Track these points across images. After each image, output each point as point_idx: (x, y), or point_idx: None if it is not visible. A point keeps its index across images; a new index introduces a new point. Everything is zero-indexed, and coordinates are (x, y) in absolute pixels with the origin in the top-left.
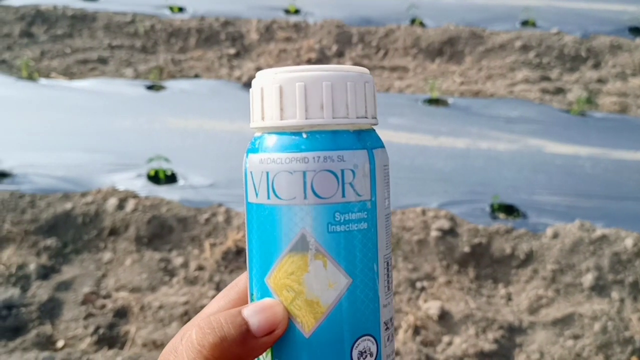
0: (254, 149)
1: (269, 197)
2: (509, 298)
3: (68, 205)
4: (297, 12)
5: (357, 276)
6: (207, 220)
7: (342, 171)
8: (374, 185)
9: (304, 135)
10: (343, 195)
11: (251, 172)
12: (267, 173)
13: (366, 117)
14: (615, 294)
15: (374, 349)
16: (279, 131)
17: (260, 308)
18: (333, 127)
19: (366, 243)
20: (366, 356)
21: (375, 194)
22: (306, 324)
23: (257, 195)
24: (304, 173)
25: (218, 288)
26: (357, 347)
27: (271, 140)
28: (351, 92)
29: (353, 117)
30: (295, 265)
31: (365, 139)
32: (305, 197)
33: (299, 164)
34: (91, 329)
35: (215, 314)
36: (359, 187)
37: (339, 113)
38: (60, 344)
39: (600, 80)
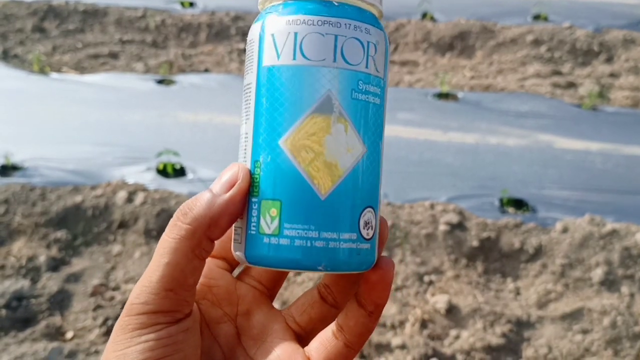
0: (275, 14)
1: (294, 58)
2: (517, 292)
3: (78, 198)
4: None
5: (369, 147)
6: None
7: (368, 43)
8: (386, 66)
9: (336, 4)
10: (366, 66)
11: (272, 34)
12: (296, 34)
13: (381, 6)
14: (625, 289)
15: (374, 222)
16: None
17: (220, 175)
18: (359, 3)
19: (377, 118)
20: (369, 228)
21: (386, 74)
22: (323, 185)
23: (278, 56)
24: (336, 37)
25: None
26: (364, 216)
27: (300, 4)
28: None
29: (377, 0)
30: (318, 127)
31: (381, 23)
32: (334, 60)
33: (331, 28)
34: (100, 320)
35: None
36: (378, 62)
37: None
38: (69, 335)
39: (613, 75)
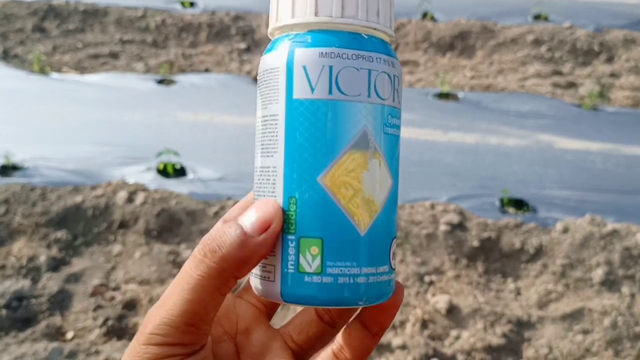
0: (304, 44)
1: (330, 92)
2: (518, 292)
3: (78, 198)
4: None
5: (395, 179)
6: (216, 214)
7: (394, 76)
8: (401, 97)
9: (365, 36)
10: (393, 100)
11: (303, 66)
12: (331, 67)
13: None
14: (625, 289)
15: (397, 252)
16: (336, 29)
17: (252, 210)
18: (382, 34)
19: (399, 149)
20: (395, 257)
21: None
22: (363, 221)
23: (312, 90)
24: (369, 71)
25: None
26: (392, 247)
27: (330, 36)
28: (392, 4)
29: (392, 29)
30: (356, 163)
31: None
32: (369, 95)
33: (365, 62)
34: (100, 320)
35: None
36: (400, 95)
37: (387, 23)
38: (69, 335)
39: (613, 75)
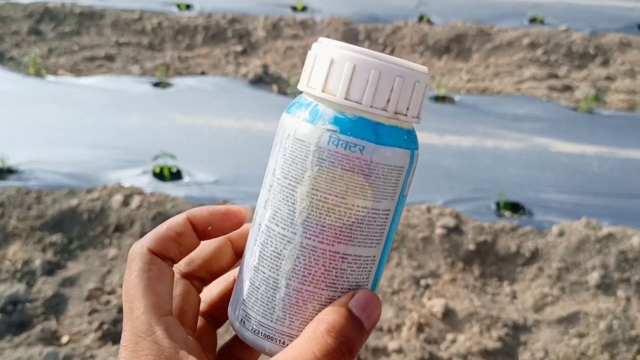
0: (416, 146)
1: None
2: (513, 296)
3: (74, 202)
4: (304, 9)
5: None
6: None
7: None
8: None
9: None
10: None
11: (414, 168)
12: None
13: None
14: (621, 293)
15: None
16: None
17: (364, 302)
18: None
19: None
20: None
21: None
22: None
23: (408, 188)
24: None
25: None
26: None
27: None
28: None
29: None
30: None
31: None
32: None
33: None
34: (95, 324)
35: (326, 312)
36: None
37: None
38: (64, 339)
39: (609, 78)
